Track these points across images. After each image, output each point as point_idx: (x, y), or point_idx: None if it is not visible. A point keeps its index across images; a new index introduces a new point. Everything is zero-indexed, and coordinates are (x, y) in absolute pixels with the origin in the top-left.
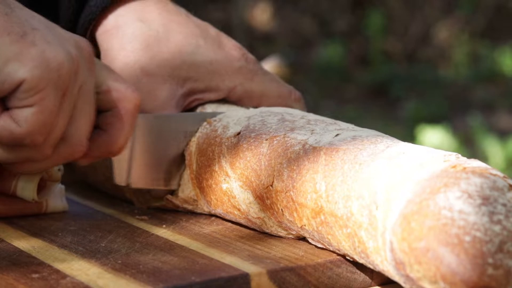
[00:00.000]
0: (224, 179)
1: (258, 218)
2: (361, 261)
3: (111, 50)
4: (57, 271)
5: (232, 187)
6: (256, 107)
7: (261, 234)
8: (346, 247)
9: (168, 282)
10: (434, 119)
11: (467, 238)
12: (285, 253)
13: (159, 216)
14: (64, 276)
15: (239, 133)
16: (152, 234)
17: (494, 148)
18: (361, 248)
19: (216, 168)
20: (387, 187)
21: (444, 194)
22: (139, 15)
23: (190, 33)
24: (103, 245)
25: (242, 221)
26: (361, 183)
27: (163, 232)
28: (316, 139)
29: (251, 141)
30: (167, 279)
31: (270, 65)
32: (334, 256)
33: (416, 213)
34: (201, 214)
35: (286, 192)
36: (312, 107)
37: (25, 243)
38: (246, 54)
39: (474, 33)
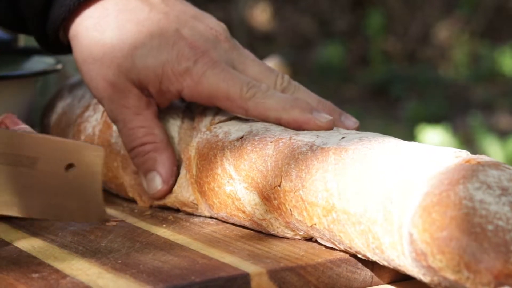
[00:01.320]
0: (228, 182)
1: (264, 219)
2: (374, 257)
3: (75, 56)
4: (57, 271)
5: (236, 189)
6: (214, 107)
7: (261, 234)
8: (359, 244)
9: (168, 282)
10: (434, 119)
11: (490, 227)
12: (285, 252)
13: (159, 216)
14: (64, 275)
15: (242, 137)
16: (152, 234)
17: (494, 148)
18: (375, 244)
19: (219, 171)
20: (401, 182)
21: (464, 185)
22: (94, 22)
23: (146, 33)
24: (103, 245)
25: (247, 224)
26: (373, 180)
27: (163, 232)
28: (323, 141)
29: (256, 143)
30: (167, 278)
31: (270, 65)
32: (334, 256)
33: (437, 204)
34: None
35: (295, 191)
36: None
37: (25, 243)
38: (199, 48)
39: (474, 33)
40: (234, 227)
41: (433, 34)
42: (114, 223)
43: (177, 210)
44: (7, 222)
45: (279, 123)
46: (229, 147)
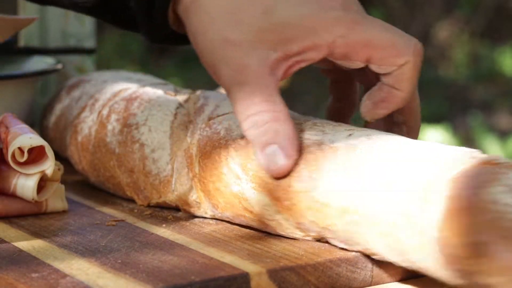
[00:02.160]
0: (235, 182)
1: (273, 220)
2: (393, 259)
3: (192, 26)
4: (57, 271)
5: (243, 189)
6: (364, 61)
7: (261, 233)
8: (378, 246)
9: (168, 282)
10: (434, 119)
11: None
12: (285, 252)
13: (159, 216)
14: (64, 275)
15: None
16: (152, 233)
17: (494, 148)
18: (398, 246)
19: (225, 170)
20: (420, 183)
21: (488, 189)
22: None
23: None
24: (103, 244)
25: (254, 224)
26: (390, 180)
27: (163, 232)
28: (330, 139)
29: None
30: (167, 278)
31: None
32: (334, 256)
33: (464, 208)
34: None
35: (307, 192)
36: (312, 107)
37: (25, 243)
38: (345, 1)
39: (474, 33)
40: (234, 226)
41: (433, 34)
42: (114, 223)
43: (177, 210)
44: (7, 222)
45: (407, 96)
46: (233, 145)
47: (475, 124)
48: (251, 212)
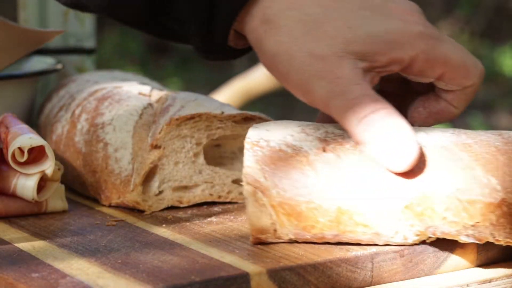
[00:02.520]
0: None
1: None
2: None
3: (270, 48)
4: (57, 271)
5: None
6: (438, 78)
7: None
8: None
9: (168, 281)
10: None
11: None
12: (285, 252)
13: (159, 216)
14: (63, 275)
15: (323, 149)
16: (152, 233)
17: None
18: None
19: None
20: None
21: None
22: (287, 5)
23: (352, 7)
24: (103, 244)
25: (366, 238)
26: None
27: (163, 232)
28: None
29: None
30: (167, 278)
31: None
32: (334, 256)
33: None
34: (201, 213)
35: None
36: (312, 107)
37: (25, 243)
38: (423, 17)
39: (474, 33)
40: (234, 226)
41: None
42: (114, 223)
43: (177, 210)
44: (7, 222)
45: (461, 109)
46: (320, 161)
47: (475, 124)
48: (366, 226)
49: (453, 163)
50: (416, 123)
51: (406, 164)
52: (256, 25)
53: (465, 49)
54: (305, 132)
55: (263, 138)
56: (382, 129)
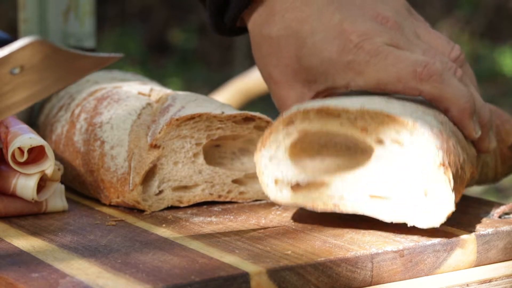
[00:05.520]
0: None
1: None
2: None
3: (253, 48)
4: (57, 271)
5: None
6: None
7: (260, 233)
8: None
9: (167, 281)
10: None
11: None
12: (285, 252)
13: (159, 216)
14: (63, 275)
15: None
16: (152, 233)
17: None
18: None
19: None
20: None
21: None
22: (263, 21)
23: (309, 31)
24: (103, 244)
25: None
26: None
27: (163, 232)
28: None
29: None
30: (166, 278)
31: None
32: (334, 256)
33: None
34: (201, 213)
35: None
36: None
37: (25, 243)
38: (363, 42)
39: (474, 33)
40: (234, 226)
41: None
42: (114, 223)
43: (177, 210)
44: (7, 222)
45: (442, 110)
46: None
47: None
48: None
49: None
50: None
51: None
52: (251, 27)
53: (402, 57)
54: None
55: None
56: None
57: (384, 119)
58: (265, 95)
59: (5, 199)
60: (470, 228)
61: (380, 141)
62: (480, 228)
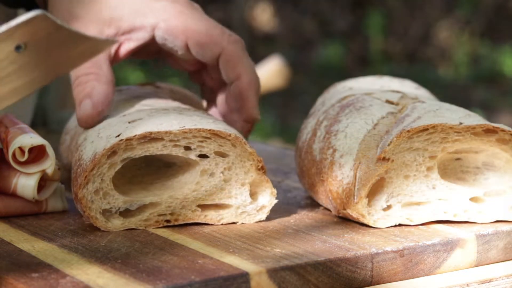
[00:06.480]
0: None
1: None
2: None
3: (50, 4)
4: (57, 271)
5: None
6: (184, 46)
7: (260, 233)
8: None
9: (167, 281)
10: None
11: None
12: (285, 252)
13: None
14: (63, 275)
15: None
16: (152, 233)
17: None
18: None
19: None
20: None
21: None
22: None
23: None
24: (103, 244)
25: None
26: None
27: (163, 232)
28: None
29: None
30: (166, 278)
31: (271, 64)
32: (334, 256)
33: None
34: None
35: None
36: (311, 107)
37: (25, 243)
38: None
39: (474, 33)
40: (234, 226)
41: (433, 34)
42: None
43: None
44: (7, 222)
45: (233, 77)
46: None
47: None
48: None
49: None
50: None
51: (84, 120)
52: None
53: (214, 22)
54: None
55: None
56: (82, 90)
57: (206, 135)
58: (265, 95)
59: (6, 199)
60: (470, 228)
61: (203, 156)
62: (480, 228)
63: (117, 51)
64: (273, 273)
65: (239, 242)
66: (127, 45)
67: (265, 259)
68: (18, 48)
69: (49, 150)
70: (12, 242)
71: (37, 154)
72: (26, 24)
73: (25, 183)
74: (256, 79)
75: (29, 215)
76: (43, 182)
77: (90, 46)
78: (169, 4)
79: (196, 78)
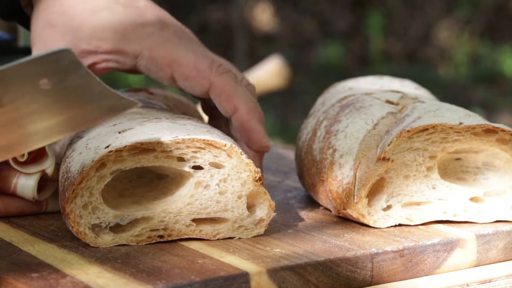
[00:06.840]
0: None
1: None
2: None
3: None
4: (57, 271)
5: None
6: (170, 78)
7: (260, 233)
8: None
9: (167, 281)
10: None
11: None
12: (285, 252)
13: None
14: (63, 275)
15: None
16: None
17: None
18: None
19: None
20: None
21: None
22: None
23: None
24: None
25: None
26: None
27: None
28: None
29: None
30: (166, 278)
31: (271, 64)
32: (334, 256)
33: None
34: None
35: None
36: (311, 107)
37: (25, 243)
38: (167, 22)
39: (474, 33)
40: None
41: (433, 34)
42: None
43: None
44: (7, 222)
45: (231, 111)
46: None
47: None
48: None
49: None
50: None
51: None
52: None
53: (204, 51)
54: None
55: None
56: None
57: (200, 145)
58: (265, 95)
59: (6, 199)
60: (470, 228)
61: (198, 167)
62: (480, 228)
63: (93, 67)
64: (273, 273)
65: (239, 242)
66: (105, 65)
67: (265, 259)
68: (41, 85)
69: (49, 150)
70: (12, 242)
71: (36, 154)
72: (49, 57)
73: (25, 183)
74: (255, 106)
75: (29, 215)
76: (43, 182)
77: (112, 101)
78: (157, 32)
79: (202, 107)
